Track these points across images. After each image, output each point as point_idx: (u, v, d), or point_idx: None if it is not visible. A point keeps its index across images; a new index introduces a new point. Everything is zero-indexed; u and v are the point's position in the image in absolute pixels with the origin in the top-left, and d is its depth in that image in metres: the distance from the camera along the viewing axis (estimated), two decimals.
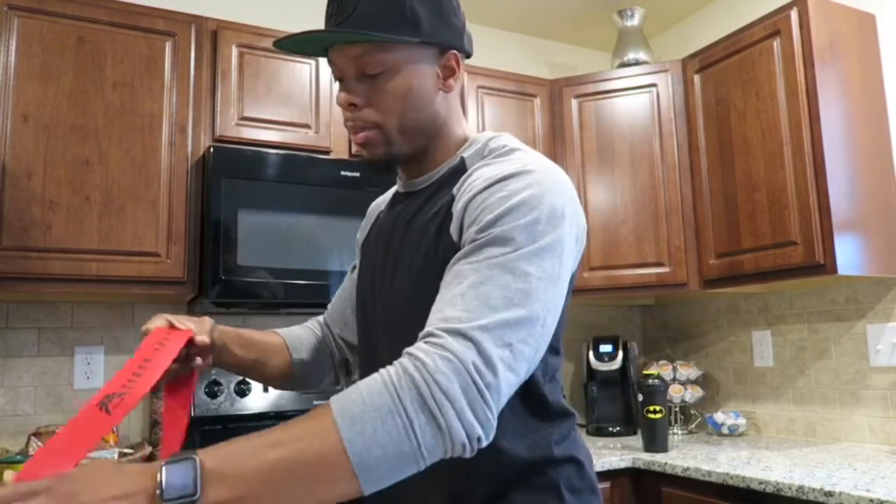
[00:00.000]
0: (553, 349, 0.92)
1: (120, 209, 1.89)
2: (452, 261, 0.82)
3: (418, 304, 0.85)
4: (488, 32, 3.02)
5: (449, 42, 0.93)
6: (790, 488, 1.63)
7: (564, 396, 1.03)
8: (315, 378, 1.20)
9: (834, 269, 1.95)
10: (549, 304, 0.79)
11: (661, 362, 2.66)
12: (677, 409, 2.60)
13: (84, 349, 2.12)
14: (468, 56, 0.99)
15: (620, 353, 2.61)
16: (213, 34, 2.09)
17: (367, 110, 0.92)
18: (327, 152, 2.19)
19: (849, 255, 1.98)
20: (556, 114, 2.63)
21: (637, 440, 2.39)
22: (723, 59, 2.34)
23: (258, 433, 0.68)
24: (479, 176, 0.87)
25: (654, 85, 2.52)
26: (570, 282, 0.90)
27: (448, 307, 0.75)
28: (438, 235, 0.88)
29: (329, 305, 1.24)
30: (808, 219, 2.01)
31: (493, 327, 0.73)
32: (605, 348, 2.64)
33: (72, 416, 2.08)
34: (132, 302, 2.19)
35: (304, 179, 2.04)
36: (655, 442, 2.15)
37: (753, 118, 2.21)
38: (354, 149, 2.26)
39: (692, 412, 2.68)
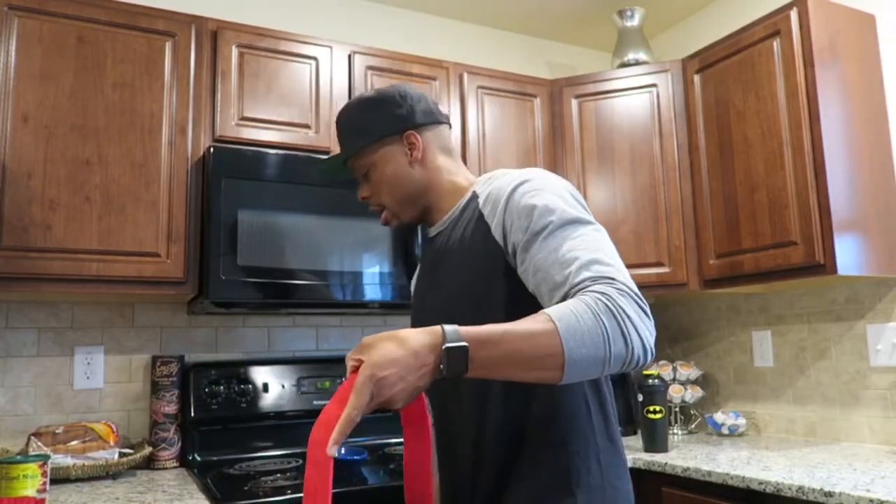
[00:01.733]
0: None
1: (120, 209, 1.89)
2: (531, 250, 1.01)
3: (467, 287, 1.11)
4: (488, 32, 3.02)
5: (398, 128, 1.20)
6: (790, 488, 1.63)
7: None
8: None
9: (834, 269, 1.95)
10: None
11: (661, 362, 2.66)
12: (677, 409, 2.60)
13: (84, 349, 2.12)
14: (437, 122, 1.24)
15: None
16: (213, 34, 2.09)
17: (374, 198, 1.24)
18: (327, 152, 2.20)
19: (849, 255, 1.98)
20: (556, 114, 2.63)
21: (637, 440, 2.39)
22: (723, 59, 2.34)
23: (493, 326, 0.88)
24: (501, 188, 1.10)
25: (654, 85, 2.52)
26: None
27: (573, 275, 0.95)
28: (483, 241, 1.10)
29: None
30: (808, 219, 2.01)
31: (616, 272, 0.95)
32: None
33: (72, 416, 2.08)
34: (132, 302, 2.19)
35: (304, 179, 2.04)
36: (655, 442, 2.15)
37: (753, 118, 2.21)
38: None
39: (692, 412, 2.68)
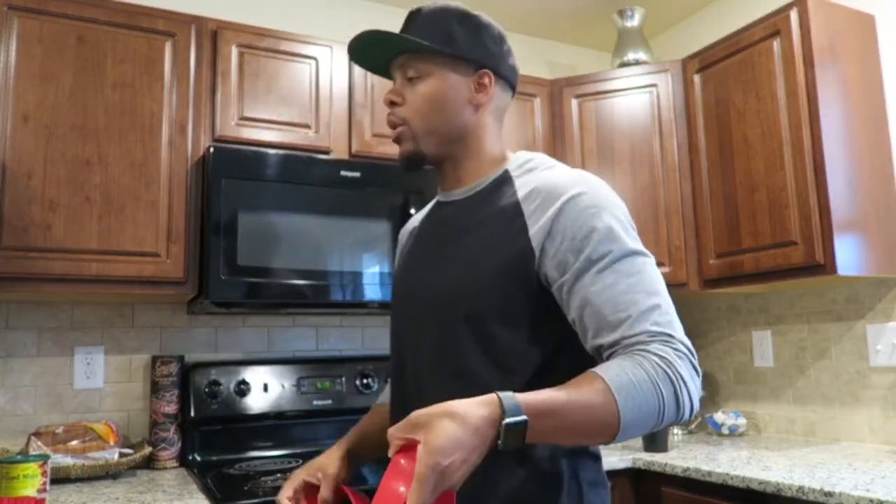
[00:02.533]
0: None
1: (120, 209, 1.89)
2: (585, 279, 0.94)
3: (487, 287, 0.98)
4: None
5: (482, 61, 1.07)
6: (790, 488, 1.63)
7: None
8: None
9: (834, 269, 1.95)
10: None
11: None
12: None
13: (84, 349, 2.12)
14: (511, 86, 1.13)
15: None
16: (213, 34, 2.09)
17: (401, 108, 1.08)
18: (327, 152, 2.20)
19: (849, 255, 1.98)
20: (556, 114, 2.63)
21: (637, 440, 2.39)
22: (723, 59, 2.34)
23: (550, 392, 0.83)
24: (546, 187, 1.00)
25: (654, 85, 2.52)
26: None
27: (636, 325, 0.90)
28: (512, 237, 0.99)
29: None
30: (808, 219, 2.02)
31: (674, 326, 0.92)
32: None
33: (72, 416, 2.08)
34: (132, 302, 2.19)
35: (303, 179, 2.04)
36: (655, 442, 2.15)
37: (753, 118, 2.21)
38: (355, 148, 2.26)
39: None
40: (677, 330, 0.92)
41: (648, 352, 0.88)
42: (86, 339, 2.13)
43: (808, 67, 2.06)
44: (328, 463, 1.09)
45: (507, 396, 0.78)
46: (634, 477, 2.11)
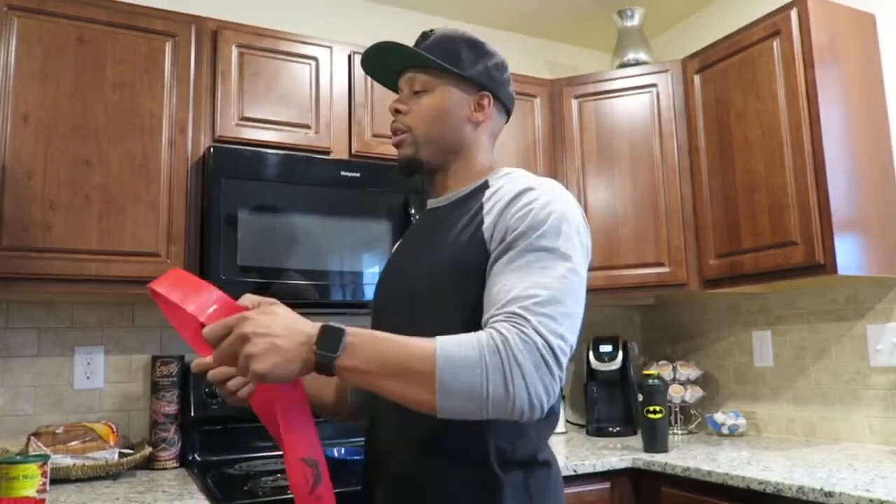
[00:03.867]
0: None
1: (120, 209, 1.89)
2: (497, 265, 0.98)
3: (441, 274, 1.05)
4: (488, 32, 3.02)
5: (484, 83, 1.16)
6: (790, 488, 1.63)
7: (564, 397, 1.15)
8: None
9: (834, 269, 1.95)
10: (581, 300, 0.98)
11: (661, 362, 2.66)
12: (677, 409, 2.60)
13: (84, 349, 2.12)
14: (507, 111, 1.23)
15: (620, 353, 2.61)
16: (213, 34, 2.09)
17: (406, 117, 1.16)
18: (327, 152, 2.19)
19: (849, 255, 1.98)
20: (556, 114, 2.63)
21: (637, 440, 2.39)
22: (723, 59, 2.34)
23: (389, 337, 0.89)
24: (507, 189, 1.05)
25: (654, 85, 2.52)
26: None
27: (507, 305, 0.91)
28: (473, 233, 1.05)
29: None
30: (808, 219, 2.01)
31: (547, 321, 0.90)
32: (605, 348, 2.64)
33: (72, 416, 2.08)
34: (132, 302, 2.19)
35: (303, 179, 2.04)
36: (655, 442, 2.15)
37: (753, 118, 2.21)
38: (355, 148, 2.26)
39: (692, 412, 2.68)
40: (546, 324, 0.90)
41: (492, 328, 0.90)
42: (86, 339, 2.13)
43: (808, 67, 2.06)
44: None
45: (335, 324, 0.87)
46: (634, 477, 2.11)
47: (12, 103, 1.81)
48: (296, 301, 1.99)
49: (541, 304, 0.91)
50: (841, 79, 2.09)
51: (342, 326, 0.87)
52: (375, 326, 1.17)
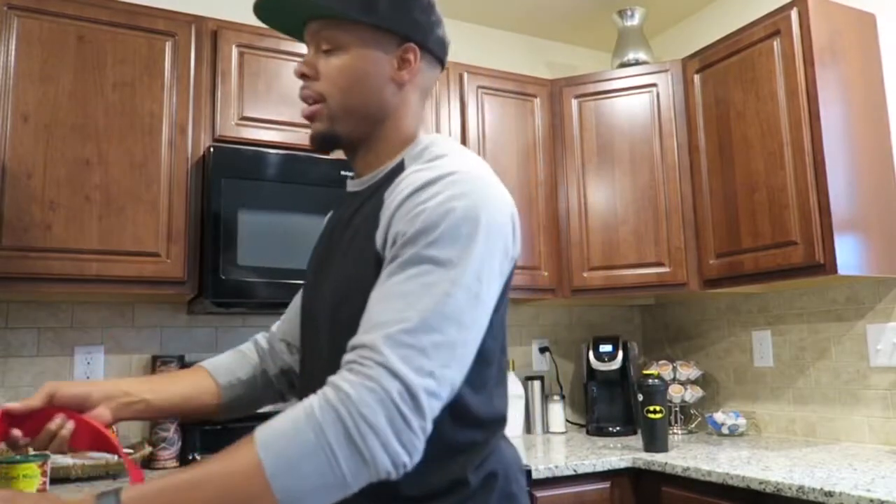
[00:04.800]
0: (485, 361, 0.89)
1: (120, 209, 1.89)
2: (380, 278, 0.83)
3: (344, 309, 0.88)
4: (488, 32, 3.02)
5: (406, 33, 0.94)
6: (790, 488, 1.63)
7: (565, 396, 1.01)
8: (253, 400, 1.14)
9: (834, 269, 1.95)
10: (470, 323, 0.80)
11: (661, 362, 2.66)
12: (677, 409, 2.60)
13: (84, 349, 2.12)
14: (439, 60, 1.00)
15: (620, 353, 2.61)
16: (213, 34, 2.09)
17: (317, 83, 0.95)
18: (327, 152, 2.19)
19: (849, 255, 1.98)
20: (556, 114, 2.63)
21: (637, 440, 2.39)
22: (723, 59, 2.34)
23: (182, 471, 0.71)
24: (408, 184, 0.87)
25: (654, 85, 2.52)
26: (506, 284, 0.91)
27: (370, 332, 0.76)
28: (368, 242, 0.88)
29: (283, 316, 1.20)
30: (808, 219, 2.01)
31: (413, 356, 0.74)
32: (605, 348, 2.64)
33: None
34: (132, 302, 2.19)
35: (304, 179, 2.04)
36: (655, 442, 2.15)
37: (753, 118, 2.21)
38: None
39: (692, 412, 2.68)
40: (411, 362, 0.73)
41: (330, 383, 0.74)
42: (86, 339, 2.13)
43: (808, 67, 2.06)
44: (103, 392, 0.97)
45: (110, 494, 0.69)
46: (634, 476, 2.11)
47: (12, 103, 1.81)
48: None
49: (409, 332, 0.74)
50: (841, 78, 2.09)
51: (114, 490, 0.69)
52: (303, 329, 1.03)
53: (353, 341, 0.78)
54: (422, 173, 0.87)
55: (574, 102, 2.61)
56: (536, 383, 2.69)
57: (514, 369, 2.68)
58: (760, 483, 1.70)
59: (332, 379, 0.74)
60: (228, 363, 1.14)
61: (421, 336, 0.75)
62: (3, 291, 1.80)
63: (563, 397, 2.68)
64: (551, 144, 2.61)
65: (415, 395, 0.72)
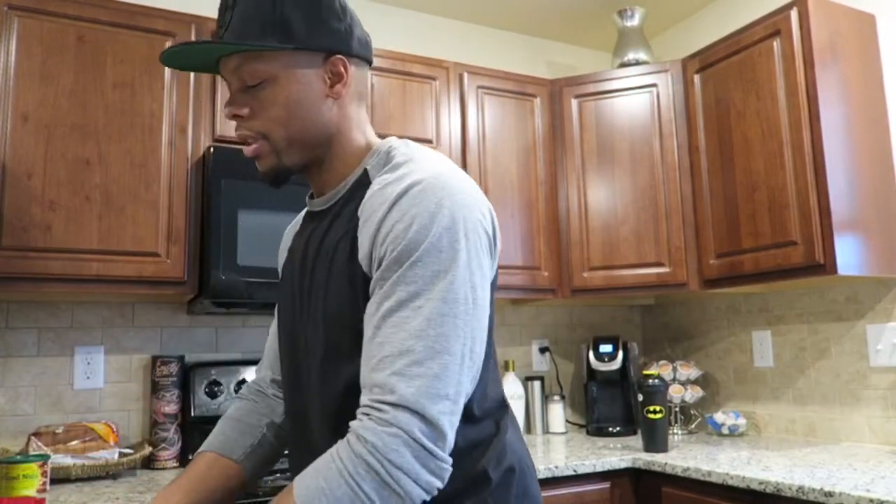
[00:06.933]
0: None
1: (120, 209, 1.89)
2: (371, 304, 0.82)
3: (338, 334, 0.87)
4: (488, 32, 3.02)
5: (330, 47, 0.92)
6: (790, 488, 1.63)
7: (565, 396, 1.03)
8: (273, 454, 1.12)
9: (834, 269, 1.95)
10: (471, 333, 0.81)
11: (661, 362, 2.66)
12: (677, 409, 2.60)
13: (84, 349, 2.12)
14: (367, 62, 0.98)
15: (620, 353, 2.61)
16: (212, 34, 2.09)
17: (253, 121, 0.92)
18: None
19: (849, 255, 1.98)
20: (556, 114, 2.63)
21: (637, 440, 2.39)
22: (723, 59, 2.34)
23: None
24: (380, 200, 0.85)
25: (654, 85, 2.52)
26: (493, 284, 0.91)
27: (378, 369, 0.78)
28: (351, 265, 0.87)
29: (265, 359, 1.18)
30: (808, 219, 2.02)
31: (426, 385, 0.76)
32: (605, 348, 2.64)
33: (72, 416, 2.08)
34: (132, 302, 2.19)
35: (303, 180, 2.04)
36: (655, 442, 2.15)
37: (753, 118, 2.21)
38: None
39: (692, 412, 2.68)
40: (426, 391, 0.75)
41: (353, 434, 0.76)
42: (86, 339, 2.13)
43: (808, 67, 2.06)
44: None
45: None
46: (634, 476, 2.11)
47: (12, 103, 1.81)
48: None
49: (417, 363, 0.76)
50: (841, 79, 2.09)
51: None
52: (286, 372, 1.01)
53: (364, 380, 0.79)
54: (390, 186, 0.85)
55: (574, 102, 2.61)
56: (536, 383, 2.69)
57: (513, 369, 2.68)
58: (760, 483, 1.70)
59: (354, 427, 0.77)
60: (234, 436, 1.10)
61: (429, 364, 0.76)
62: (3, 291, 1.80)
63: (563, 397, 2.68)
64: (551, 144, 2.61)
65: (435, 424, 0.75)
